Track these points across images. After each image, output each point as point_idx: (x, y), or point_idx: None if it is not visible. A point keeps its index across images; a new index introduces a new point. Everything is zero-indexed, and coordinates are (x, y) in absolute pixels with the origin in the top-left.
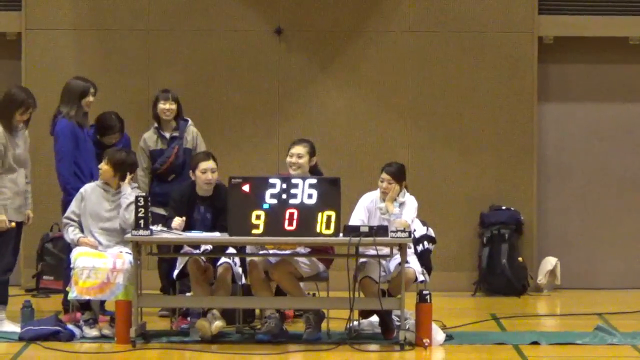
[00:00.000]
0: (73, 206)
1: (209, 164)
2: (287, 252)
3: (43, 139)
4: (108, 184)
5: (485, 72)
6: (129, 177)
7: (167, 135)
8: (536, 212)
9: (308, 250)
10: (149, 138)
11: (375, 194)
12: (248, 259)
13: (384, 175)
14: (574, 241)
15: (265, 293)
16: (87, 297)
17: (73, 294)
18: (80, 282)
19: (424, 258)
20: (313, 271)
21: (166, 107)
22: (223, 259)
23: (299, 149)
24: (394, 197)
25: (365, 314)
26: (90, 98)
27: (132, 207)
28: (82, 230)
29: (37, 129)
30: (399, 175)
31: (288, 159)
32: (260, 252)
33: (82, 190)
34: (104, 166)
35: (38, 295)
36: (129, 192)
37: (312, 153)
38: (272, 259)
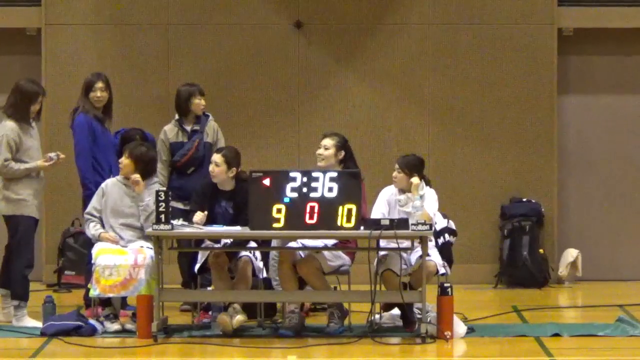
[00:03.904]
0: (94, 202)
1: (212, 156)
2: (316, 244)
3: (63, 134)
4: (129, 179)
5: (505, 64)
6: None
7: (188, 128)
8: (557, 204)
9: (335, 242)
10: (170, 130)
11: (394, 187)
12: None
13: (395, 166)
14: (595, 233)
15: (292, 285)
16: (110, 295)
17: (95, 292)
18: (103, 280)
19: (444, 251)
20: (339, 264)
21: (202, 102)
22: (243, 252)
23: (327, 141)
24: (402, 187)
25: (387, 307)
26: (98, 93)
27: (152, 217)
28: (103, 226)
29: (57, 124)
30: (407, 166)
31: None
32: (288, 244)
33: (102, 185)
34: (124, 160)
35: (60, 290)
36: (146, 203)
37: (339, 146)
38: (300, 252)
